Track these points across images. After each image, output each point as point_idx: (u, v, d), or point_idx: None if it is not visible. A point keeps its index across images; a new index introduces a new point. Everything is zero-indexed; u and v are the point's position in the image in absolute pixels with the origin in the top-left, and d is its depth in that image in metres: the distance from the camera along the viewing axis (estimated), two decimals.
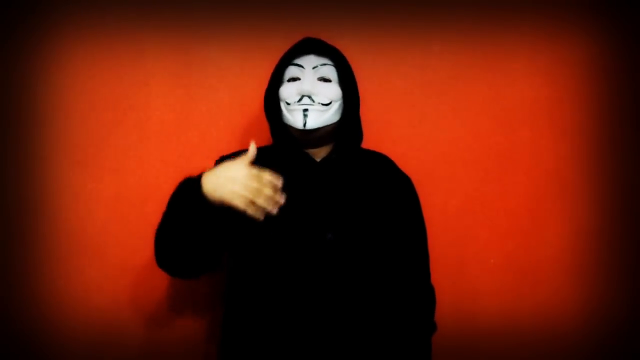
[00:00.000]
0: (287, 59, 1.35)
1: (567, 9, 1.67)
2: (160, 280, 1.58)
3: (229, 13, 1.60)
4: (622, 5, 1.68)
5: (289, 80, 1.34)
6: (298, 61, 1.34)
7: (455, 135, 1.66)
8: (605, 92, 1.68)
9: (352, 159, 1.37)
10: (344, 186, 1.31)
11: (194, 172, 1.39)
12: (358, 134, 1.41)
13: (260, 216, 1.09)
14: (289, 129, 1.34)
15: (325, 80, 1.34)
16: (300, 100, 1.30)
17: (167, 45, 1.59)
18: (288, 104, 1.32)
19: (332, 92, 1.33)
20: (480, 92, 1.67)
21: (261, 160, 1.34)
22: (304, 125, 1.29)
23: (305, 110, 1.30)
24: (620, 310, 1.67)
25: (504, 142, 1.67)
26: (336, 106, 1.33)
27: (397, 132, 1.65)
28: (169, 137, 1.59)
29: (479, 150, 1.67)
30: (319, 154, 1.36)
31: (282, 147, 1.36)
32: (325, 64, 1.34)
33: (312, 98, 1.30)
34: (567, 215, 1.68)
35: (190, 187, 1.15)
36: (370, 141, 1.54)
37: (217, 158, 1.38)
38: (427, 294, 1.37)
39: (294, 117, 1.31)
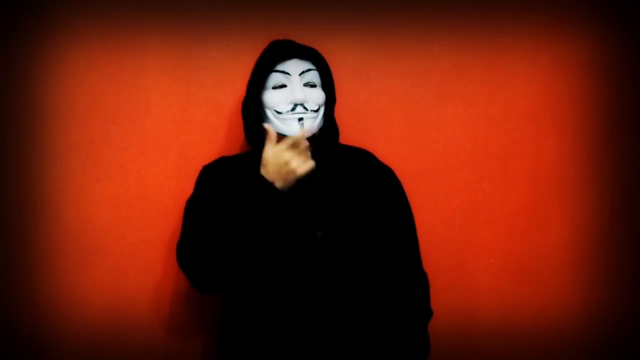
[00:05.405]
0: (269, 65, 1.34)
1: (567, 9, 1.67)
2: (160, 280, 1.59)
3: (229, 13, 1.60)
4: (622, 5, 1.68)
5: (274, 88, 1.33)
6: (282, 67, 1.33)
7: (455, 135, 1.66)
8: (605, 92, 1.68)
9: (334, 156, 1.37)
10: (329, 183, 1.31)
11: (194, 172, 1.40)
12: (335, 130, 1.42)
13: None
14: (279, 137, 1.32)
15: (312, 86, 1.34)
16: (293, 109, 1.30)
17: (167, 45, 1.58)
18: (279, 112, 1.31)
19: (320, 97, 1.34)
20: (480, 92, 1.67)
21: (244, 168, 1.35)
22: None
23: (301, 119, 1.30)
24: (620, 310, 1.67)
25: (504, 142, 1.67)
26: (322, 110, 1.34)
27: (397, 132, 1.65)
28: (169, 137, 1.59)
29: (479, 150, 1.67)
30: None
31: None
32: (310, 69, 1.34)
33: (304, 106, 1.30)
34: (567, 216, 1.68)
35: (268, 193, 1.21)
36: (370, 141, 1.55)
37: (208, 163, 1.41)
38: (420, 281, 1.38)
39: (288, 126, 1.30)
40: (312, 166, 1.23)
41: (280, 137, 1.32)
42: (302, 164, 1.21)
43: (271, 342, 1.26)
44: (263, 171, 1.21)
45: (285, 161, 1.20)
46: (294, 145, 1.21)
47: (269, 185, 1.20)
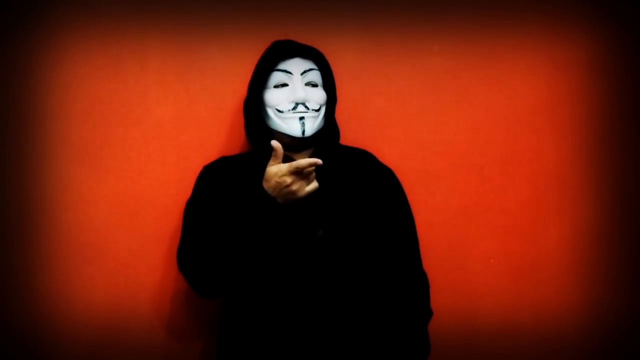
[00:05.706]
0: (271, 65, 1.34)
1: (567, 9, 1.67)
2: (160, 280, 1.59)
3: (229, 13, 1.60)
4: (622, 5, 1.68)
5: (276, 86, 1.33)
6: (284, 66, 1.33)
7: (455, 135, 1.66)
8: (605, 92, 1.68)
9: (335, 157, 1.37)
10: (330, 183, 1.31)
11: (194, 172, 1.40)
12: (335, 131, 1.42)
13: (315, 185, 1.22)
14: (280, 136, 1.32)
15: (313, 85, 1.34)
16: (295, 108, 1.30)
17: (167, 45, 1.58)
18: (280, 111, 1.31)
19: (321, 97, 1.34)
20: (480, 92, 1.67)
21: (245, 168, 1.35)
22: (303, 133, 1.29)
23: (302, 118, 1.30)
24: (620, 310, 1.67)
25: (504, 142, 1.67)
26: (324, 110, 1.35)
27: (397, 132, 1.65)
28: (169, 137, 1.59)
29: (479, 150, 1.67)
30: (302, 156, 1.35)
31: (265, 153, 1.30)
32: (311, 69, 1.34)
33: (305, 105, 1.30)
34: (567, 216, 1.68)
35: (268, 209, 1.20)
36: (370, 141, 1.55)
37: (208, 163, 1.41)
38: (420, 281, 1.38)
39: (289, 125, 1.30)
40: (314, 187, 1.21)
41: (280, 135, 1.32)
42: (303, 186, 1.20)
43: (270, 343, 1.26)
44: (265, 185, 1.20)
45: (286, 184, 1.18)
46: (297, 170, 1.17)
47: (269, 198, 1.19)
